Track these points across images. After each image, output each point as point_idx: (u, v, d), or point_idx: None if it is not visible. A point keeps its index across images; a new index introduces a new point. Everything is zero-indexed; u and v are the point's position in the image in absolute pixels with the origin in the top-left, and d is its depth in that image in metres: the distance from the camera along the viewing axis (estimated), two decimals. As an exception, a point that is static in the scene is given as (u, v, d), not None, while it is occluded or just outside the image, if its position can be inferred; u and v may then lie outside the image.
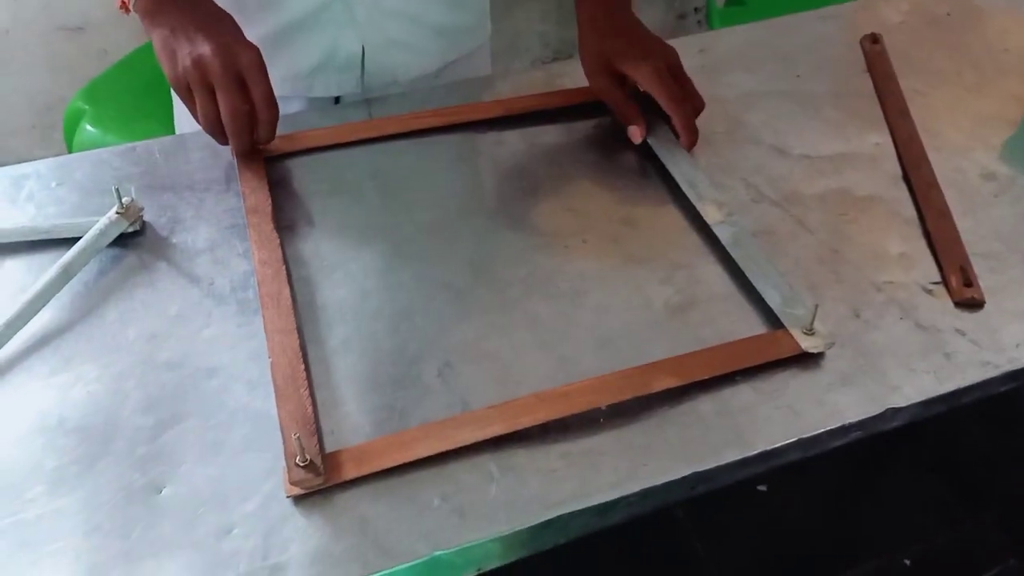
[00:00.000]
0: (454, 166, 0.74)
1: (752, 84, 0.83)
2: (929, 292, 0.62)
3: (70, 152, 1.35)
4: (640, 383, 0.54)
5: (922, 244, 0.66)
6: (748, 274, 0.62)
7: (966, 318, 0.60)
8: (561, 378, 0.55)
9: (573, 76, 0.81)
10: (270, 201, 0.66)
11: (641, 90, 0.75)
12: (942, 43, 0.77)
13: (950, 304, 0.61)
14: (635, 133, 0.74)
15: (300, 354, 0.55)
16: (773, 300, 0.60)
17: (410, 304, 0.61)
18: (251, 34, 0.74)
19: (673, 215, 0.69)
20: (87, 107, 1.33)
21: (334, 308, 0.60)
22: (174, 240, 0.65)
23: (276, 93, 0.66)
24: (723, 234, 0.65)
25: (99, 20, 1.61)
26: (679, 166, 0.71)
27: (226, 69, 0.63)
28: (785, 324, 0.58)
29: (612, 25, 0.77)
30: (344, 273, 0.63)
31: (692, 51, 0.87)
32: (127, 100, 1.28)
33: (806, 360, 0.57)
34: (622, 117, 0.75)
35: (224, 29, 0.67)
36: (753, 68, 0.85)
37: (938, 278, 0.63)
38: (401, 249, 0.65)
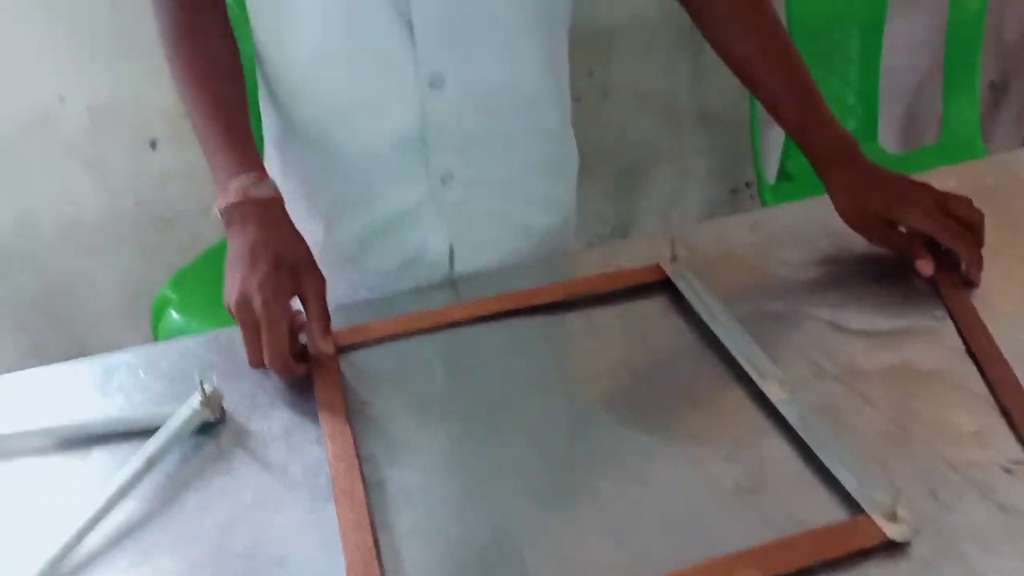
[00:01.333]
0: (517, 349, 0.77)
1: (805, 259, 0.85)
2: (1009, 472, 0.61)
3: (156, 338, 1.43)
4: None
5: (995, 420, 0.65)
6: (819, 453, 0.62)
7: (1051, 498, 0.58)
8: (628, 564, 0.55)
9: (629, 255, 0.85)
10: (341, 396, 0.69)
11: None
12: (990, 214, 0.79)
13: (1033, 484, 0.59)
14: (924, 267, 0.77)
15: (373, 550, 0.56)
16: (848, 482, 0.59)
17: (477, 488, 0.62)
18: (342, 234, 0.80)
19: (734, 393, 0.69)
20: (174, 295, 1.42)
21: (403, 492, 0.61)
22: (251, 427, 0.68)
23: (363, 289, 0.70)
24: (789, 413, 0.65)
25: (188, 212, 1.74)
26: (737, 344, 0.73)
27: (272, 309, 0.66)
28: (865, 508, 0.57)
29: (865, 183, 0.80)
30: (413, 456, 0.65)
31: (744, 228, 0.90)
32: (211, 289, 1.36)
33: (890, 547, 0.55)
34: (908, 255, 0.78)
35: (297, 254, 0.71)
36: (805, 244, 0.88)
37: (1018, 456, 0.62)
38: (468, 432, 0.67)
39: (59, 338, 1.79)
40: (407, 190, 0.82)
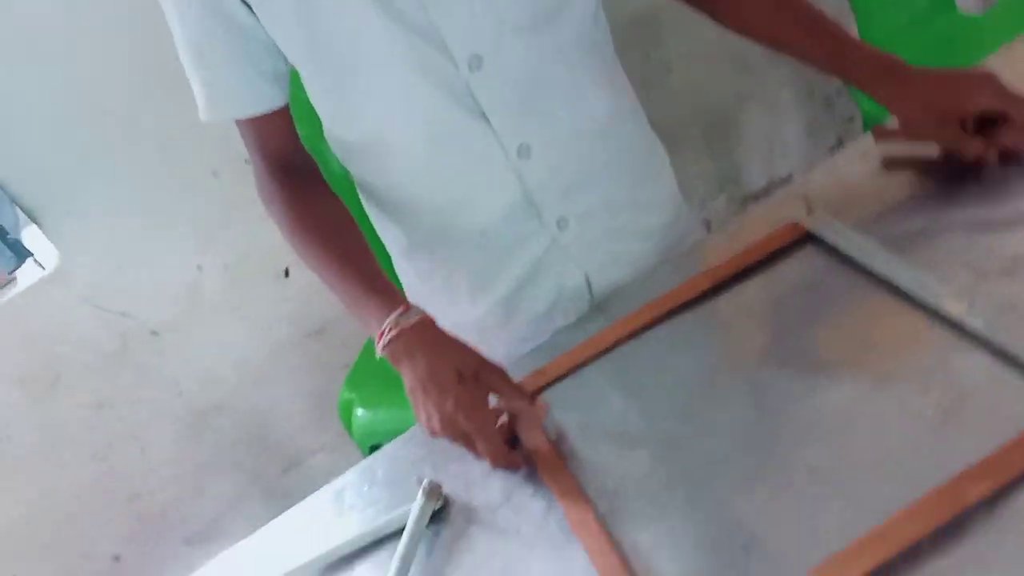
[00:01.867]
0: (683, 348, 0.79)
1: (921, 172, 0.84)
2: None
3: (350, 434, 1.54)
4: (953, 498, 0.54)
5: None
6: (1017, 352, 0.61)
7: None
8: (858, 517, 0.56)
9: (752, 226, 0.86)
10: (546, 440, 0.74)
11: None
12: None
13: None
14: (993, 157, 0.78)
15: (624, 568, 0.60)
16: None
17: (697, 490, 0.65)
18: (487, 303, 0.86)
19: (910, 322, 0.69)
20: (353, 395, 1.53)
21: (633, 510, 0.65)
22: (475, 502, 0.74)
23: (522, 342, 0.74)
24: (974, 322, 0.65)
25: (334, 318, 1.87)
26: (900, 272, 0.72)
27: (479, 420, 0.71)
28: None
29: (925, 84, 0.81)
30: (629, 475, 0.68)
31: (856, 159, 0.90)
32: (383, 380, 1.46)
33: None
34: (972, 151, 0.79)
35: (470, 360, 0.75)
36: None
37: None
38: (669, 439, 0.70)
39: (270, 461, 1.95)
40: (531, 245, 0.87)
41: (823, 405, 0.66)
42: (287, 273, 1.78)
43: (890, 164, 0.87)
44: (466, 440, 0.73)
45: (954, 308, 0.67)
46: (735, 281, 0.83)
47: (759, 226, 0.86)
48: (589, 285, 0.90)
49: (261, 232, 1.70)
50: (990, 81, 0.78)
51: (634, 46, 1.85)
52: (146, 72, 1.43)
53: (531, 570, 0.66)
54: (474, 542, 0.70)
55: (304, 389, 1.91)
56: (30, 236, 1.47)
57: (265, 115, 0.81)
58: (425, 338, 0.76)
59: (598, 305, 0.90)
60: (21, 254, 1.38)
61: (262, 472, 1.93)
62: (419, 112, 0.78)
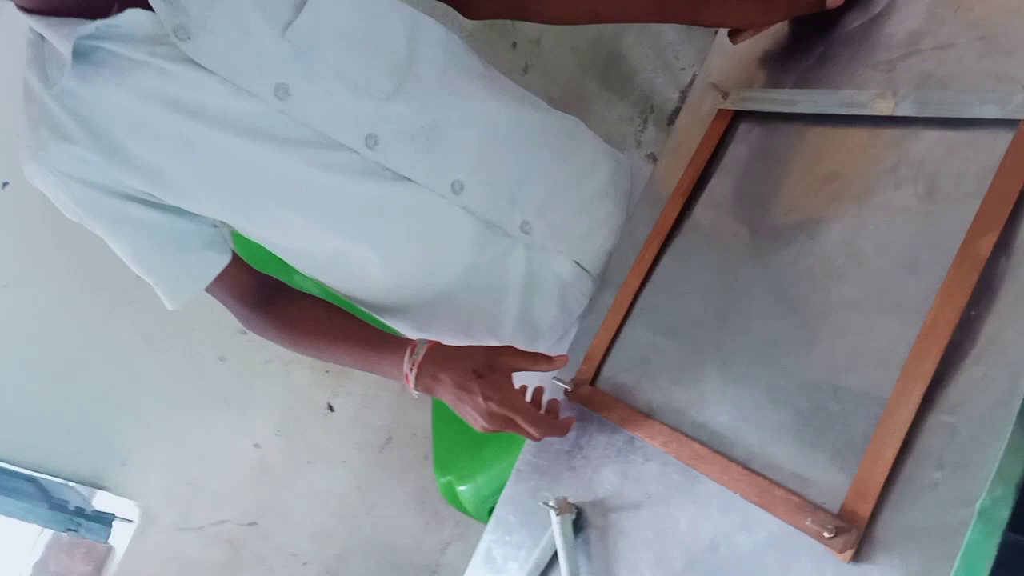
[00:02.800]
0: (691, 268, 0.84)
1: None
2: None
3: (471, 514, 1.59)
4: (972, 262, 0.58)
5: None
6: (954, 112, 0.66)
7: None
8: (911, 323, 0.60)
9: (685, 140, 0.92)
10: (624, 404, 0.80)
11: None
12: None
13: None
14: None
15: (747, 471, 0.65)
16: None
17: (766, 376, 0.69)
18: (507, 327, 0.92)
19: (854, 138, 0.74)
20: (448, 477, 1.57)
21: (724, 426, 0.70)
22: (599, 495, 0.78)
23: (555, 339, 0.81)
24: (908, 109, 0.70)
25: (393, 422, 1.92)
26: (823, 103, 0.78)
27: (508, 402, 0.80)
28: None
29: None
30: (697, 402, 0.73)
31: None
32: (464, 447, 1.51)
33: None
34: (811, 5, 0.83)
35: (479, 356, 0.83)
36: None
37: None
38: (717, 351, 0.75)
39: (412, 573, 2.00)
40: (513, 259, 0.90)
41: (825, 248, 0.71)
42: (331, 407, 1.83)
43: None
44: (510, 424, 0.80)
45: (884, 107, 0.72)
46: (701, 188, 0.88)
47: (693, 131, 0.92)
48: (581, 266, 0.94)
49: (290, 384, 1.76)
50: None
51: (496, 44, 1.91)
52: (124, 279, 1.48)
53: (679, 522, 0.70)
54: (620, 527, 0.75)
55: (403, 498, 1.96)
56: (103, 500, 1.53)
57: (219, 274, 0.87)
58: (438, 360, 0.84)
59: (600, 277, 0.95)
60: (105, 520, 1.44)
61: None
62: (347, 206, 0.82)
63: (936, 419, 0.56)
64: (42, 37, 0.73)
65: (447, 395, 0.84)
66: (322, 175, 0.79)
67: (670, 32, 2.16)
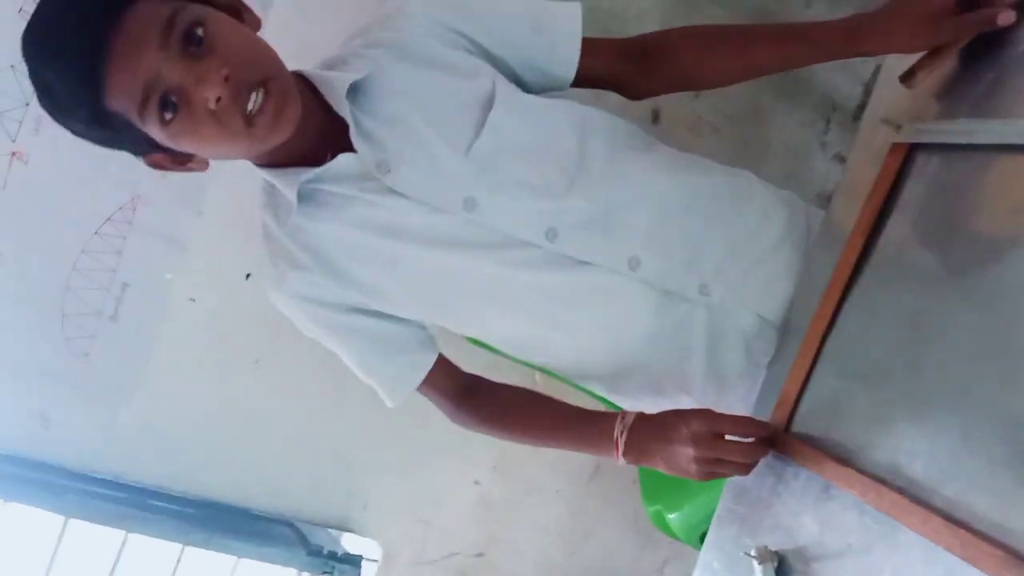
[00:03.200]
0: (879, 310, 0.84)
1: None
2: None
3: (679, 537, 1.62)
4: None
5: None
6: None
7: None
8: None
9: (858, 179, 0.91)
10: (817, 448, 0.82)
11: None
12: None
13: None
14: (1007, 16, 0.76)
15: (950, 521, 0.65)
16: None
17: (971, 416, 0.69)
18: (696, 388, 0.96)
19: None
20: (657, 505, 1.62)
21: (923, 473, 0.70)
22: (801, 542, 0.80)
23: (747, 390, 0.88)
24: None
25: (568, 473, 1.99)
26: (1003, 132, 0.75)
27: (717, 449, 0.84)
28: None
29: (885, 19, 0.85)
30: (892, 446, 0.73)
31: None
32: (673, 483, 1.55)
33: None
34: (978, 24, 0.78)
35: (684, 418, 0.87)
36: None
37: None
38: (915, 393, 0.74)
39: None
40: (695, 321, 0.93)
41: (1018, 283, 0.69)
42: (478, 483, 1.94)
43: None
44: (721, 466, 0.84)
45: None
46: (880, 225, 0.87)
47: (866, 168, 0.91)
48: (763, 317, 0.94)
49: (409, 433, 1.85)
50: None
51: (676, 120, 1.90)
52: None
53: (883, 572, 0.71)
54: (826, 567, 0.77)
55: (617, 522, 2.02)
56: (349, 541, 1.71)
57: (430, 372, 0.98)
58: (645, 426, 0.90)
59: (783, 327, 0.96)
60: (355, 561, 1.61)
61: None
62: (535, 295, 0.90)
63: None
64: (273, 185, 0.88)
65: (659, 454, 0.89)
66: (511, 271, 0.87)
67: (822, 71, 2.07)
